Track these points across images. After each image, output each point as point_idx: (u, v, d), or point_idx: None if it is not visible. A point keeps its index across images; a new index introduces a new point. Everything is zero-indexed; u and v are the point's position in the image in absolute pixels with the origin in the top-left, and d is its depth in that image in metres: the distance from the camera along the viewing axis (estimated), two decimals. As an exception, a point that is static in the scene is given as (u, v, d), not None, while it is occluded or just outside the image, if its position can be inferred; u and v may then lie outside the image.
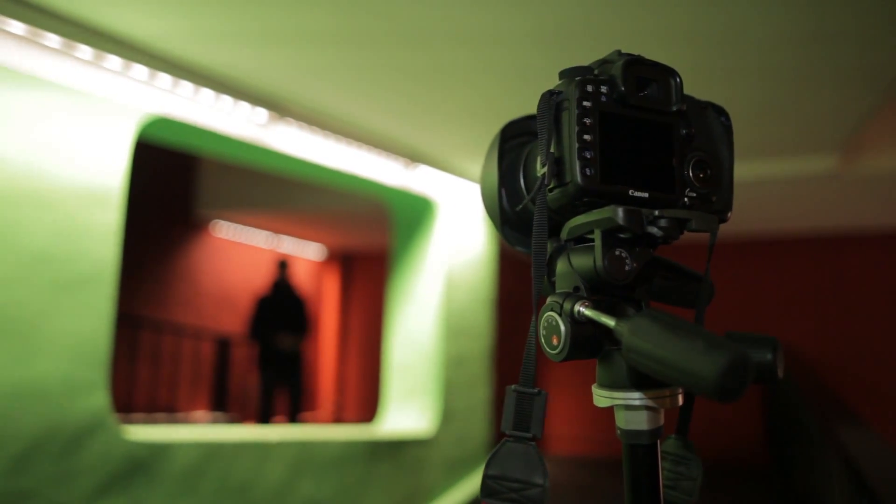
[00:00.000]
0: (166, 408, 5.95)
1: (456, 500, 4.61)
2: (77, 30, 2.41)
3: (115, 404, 2.62)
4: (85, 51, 2.45)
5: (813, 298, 6.62)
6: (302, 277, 8.02)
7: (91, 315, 2.48)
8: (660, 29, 2.45)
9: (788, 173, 4.30)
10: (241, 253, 7.36)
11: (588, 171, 0.46)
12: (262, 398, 5.78)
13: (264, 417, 5.68)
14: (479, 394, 5.20)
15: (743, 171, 4.25)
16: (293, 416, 5.78)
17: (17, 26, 2.25)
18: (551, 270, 0.52)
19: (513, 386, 0.48)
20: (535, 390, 0.47)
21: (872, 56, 2.62)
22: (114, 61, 2.55)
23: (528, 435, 0.47)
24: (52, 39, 2.35)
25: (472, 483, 4.85)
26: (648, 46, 2.54)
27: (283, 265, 5.99)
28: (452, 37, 2.56)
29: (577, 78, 0.47)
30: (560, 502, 4.96)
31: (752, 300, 6.64)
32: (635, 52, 0.50)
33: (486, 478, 0.47)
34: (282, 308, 5.78)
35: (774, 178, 4.39)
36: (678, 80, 0.50)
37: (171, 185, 6.56)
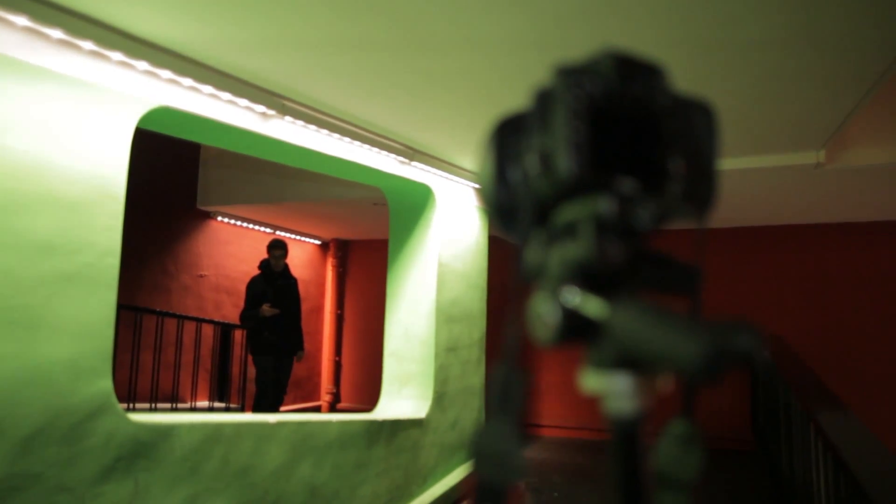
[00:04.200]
0: (169, 397, 5.97)
1: (451, 482, 4.70)
2: (80, 23, 2.44)
3: (119, 393, 2.66)
4: (88, 42, 2.47)
5: (797, 286, 6.72)
6: (299, 263, 8.04)
7: (95, 304, 2.51)
8: (652, 30, 2.50)
9: (774, 166, 4.37)
10: (244, 241, 7.36)
11: (576, 163, 0.48)
12: (258, 385, 5.58)
13: (272, 405, 5.45)
14: (475, 379, 5.27)
15: (729, 162, 4.33)
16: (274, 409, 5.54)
17: (19, 18, 2.27)
18: (540, 259, 0.53)
19: (498, 365, 0.51)
20: (518, 369, 0.50)
21: (856, 55, 2.68)
22: (116, 53, 2.57)
23: (511, 411, 0.50)
24: (56, 31, 2.37)
25: (466, 466, 4.93)
26: (641, 47, 2.60)
27: (272, 245, 5.72)
28: (452, 37, 2.60)
29: (568, 72, 0.50)
30: (553, 482, 5.06)
31: (737, 288, 6.74)
32: (627, 51, 0.53)
33: (472, 449, 0.50)
34: (274, 289, 5.56)
35: (760, 170, 4.46)
36: (666, 75, 0.52)
37: (174, 175, 6.55)
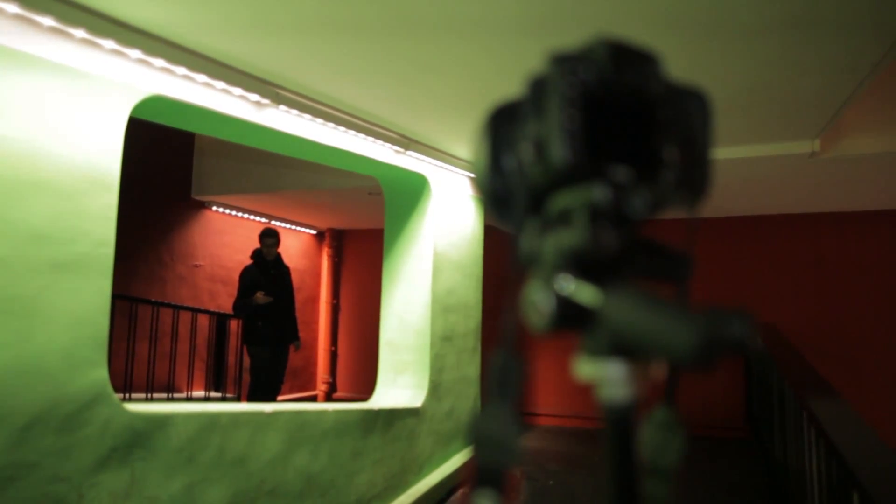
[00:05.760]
0: (165, 387, 5.97)
1: (447, 471, 4.72)
2: (71, 10, 2.41)
3: (115, 383, 2.66)
4: (80, 30, 2.45)
5: (792, 275, 6.75)
6: (294, 253, 8.03)
7: (89, 293, 2.50)
8: (647, 17, 2.49)
9: (768, 155, 4.37)
10: (239, 231, 7.33)
11: (570, 150, 0.47)
12: (252, 375, 5.55)
13: (266, 395, 5.42)
14: (470, 368, 5.29)
15: (724, 151, 4.33)
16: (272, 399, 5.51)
17: (9, 6, 2.24)
18: (534, 247, 0.53)
19: (497, 351, 0.51)
20: (516, 356, 0.50)
21: (852, 44, 2.68)
22: (109, 41, 2.55)
23: (508, 397, 0.51)
24: (47, 19, 2.35)
25: (462, 455, 4.96)
26: (636, 33, 2.59)
27: (264, 234, 5.65)
28: (445, 24, 2.58)
29: (561, 60, 0.49)
30: (548, 470, 5.09)
31: (731, 277, 6.76)
32: (623, 37, 0.52)
33: (470, 433, 0.51)
34: (267, 278, 5.53)
35: (754, 159, 4.47)
36: (660, 63, 0.52)
37: (169, 165, 6.52)
